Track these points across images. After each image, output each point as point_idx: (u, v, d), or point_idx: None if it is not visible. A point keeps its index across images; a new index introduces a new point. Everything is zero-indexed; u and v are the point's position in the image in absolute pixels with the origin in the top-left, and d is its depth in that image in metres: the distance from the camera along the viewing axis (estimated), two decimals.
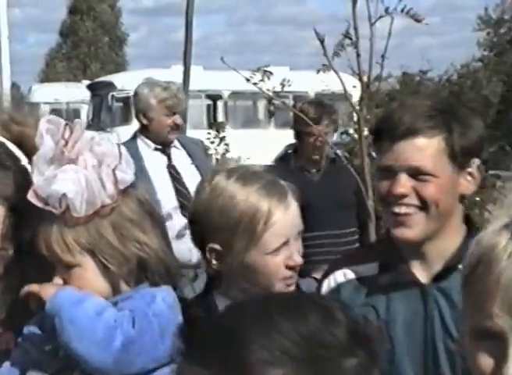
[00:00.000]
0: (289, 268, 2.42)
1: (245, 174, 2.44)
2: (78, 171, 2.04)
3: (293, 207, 2.43)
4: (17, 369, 2.13)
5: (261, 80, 5.89)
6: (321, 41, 5.52)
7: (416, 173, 2.43)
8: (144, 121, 5.94)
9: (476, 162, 2.49)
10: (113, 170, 2.06)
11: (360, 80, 5.79)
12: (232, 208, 2.36)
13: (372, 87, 6.04)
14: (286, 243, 2.41)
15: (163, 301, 2.06)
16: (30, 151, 2.15)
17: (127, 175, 2.09)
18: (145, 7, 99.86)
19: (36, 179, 2.04)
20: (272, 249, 2.38)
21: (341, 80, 5.84)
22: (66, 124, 2.07)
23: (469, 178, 2.50)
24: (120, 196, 2.08)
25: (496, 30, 36.77)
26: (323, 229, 5.90)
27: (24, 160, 2.16)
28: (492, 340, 1.54)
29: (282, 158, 6.59)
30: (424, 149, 2.42)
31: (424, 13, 5.90)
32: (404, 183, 2.43)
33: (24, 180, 2.11)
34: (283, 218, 2.39)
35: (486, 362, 1.55)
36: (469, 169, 2.49)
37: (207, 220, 2.41)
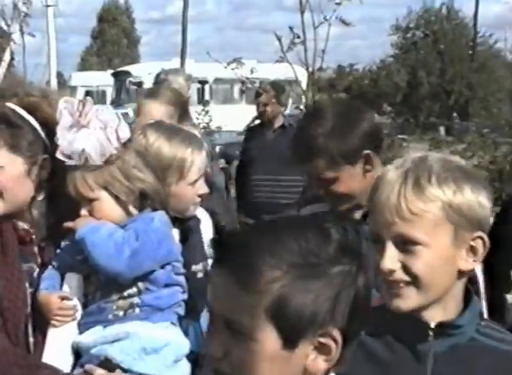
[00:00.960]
0: (198, 196, 2.42)
1: (167, 129, 2.42)
2: (90, 133, 2.07)
3: (204, 153, 2.43)
4: (57, 272, 2.15)
5: (236, 68, 5.89)
6: (279, 40, 5.51)
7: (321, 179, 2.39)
8: None
9: (367, 152, 2.35)
10: (115, 130, 2.10)
11: (307, 70, 5.77)
12: (167, 153, 2.33)
13: (316, 76, 6.01)
14: (199, 177, 2.40)
15: (159, 220, 2.10)
16: (38, 118, 2.16)
17: (125, 133, 2.12)
18: (154, 17, 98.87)
19: (60, 142, 2.07)
20: (191, 181, 2.37)
21: (293, 69, 5.81)
22: (80, 101, 2.10)
23: (367, 162, 2.36)
24: (122, 148, 2.11)
25: (404, 35, 36.76)
26: (271, 174, 5.92)
27: (33, 121, 2.15)
28: (378, 244, 1.56)
29: (251, 126, 6.64)
30: (319, 167, 2.34)
31: (354, 22, 5.93)
32: (316, 183, 2.41)
33: (34, 136, 2.13)
34: (200, 159, 2.39)
35: (376, 259, 1.56)
36: (365, 159, 2.35)
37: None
